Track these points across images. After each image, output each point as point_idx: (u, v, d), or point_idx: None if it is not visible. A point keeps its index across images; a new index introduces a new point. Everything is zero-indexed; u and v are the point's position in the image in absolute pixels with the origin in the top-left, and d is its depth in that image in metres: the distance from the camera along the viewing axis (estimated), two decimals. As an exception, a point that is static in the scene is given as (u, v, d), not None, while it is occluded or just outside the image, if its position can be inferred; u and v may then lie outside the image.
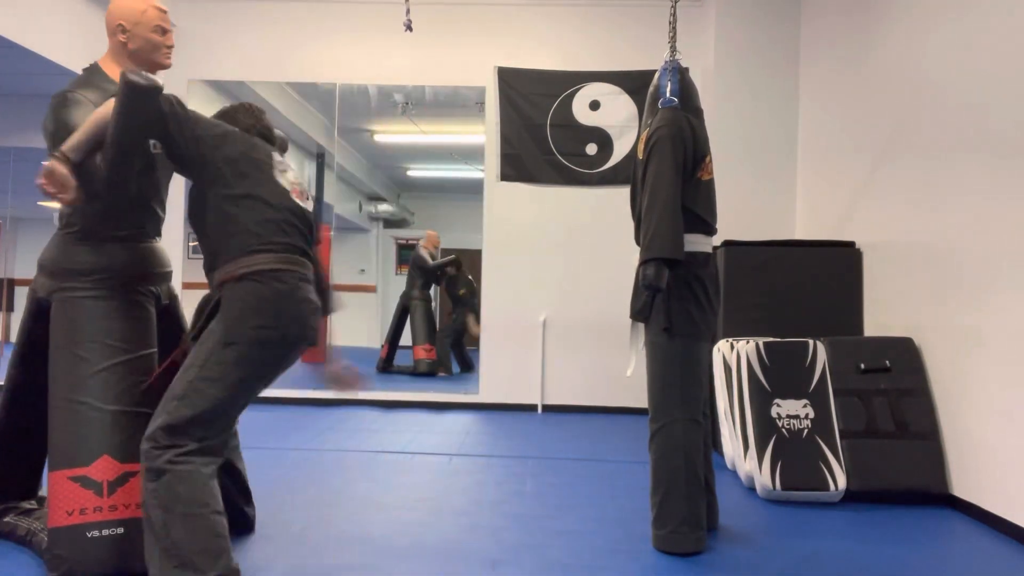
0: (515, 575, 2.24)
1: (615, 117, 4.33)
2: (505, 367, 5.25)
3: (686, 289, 2.45)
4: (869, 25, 3.91)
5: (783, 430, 3.21)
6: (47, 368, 2.13)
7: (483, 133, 5.25)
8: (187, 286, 4.71)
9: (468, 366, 7.22)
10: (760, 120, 4.81)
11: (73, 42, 4.63)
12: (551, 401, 5.22)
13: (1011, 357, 2.71)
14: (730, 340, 3.62)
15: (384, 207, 9.55)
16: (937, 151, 3.22)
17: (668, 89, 2.55)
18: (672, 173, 2.41)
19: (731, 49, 4.84)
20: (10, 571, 2.13)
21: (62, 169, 1.87)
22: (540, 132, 4.36)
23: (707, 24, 4.98)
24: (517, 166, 4.38)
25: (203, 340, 1.95)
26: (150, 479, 1.84)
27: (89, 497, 2.03)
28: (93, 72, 2.20)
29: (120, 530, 2.04)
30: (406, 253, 9.53)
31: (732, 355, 3.48)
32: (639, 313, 2.51)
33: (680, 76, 2.56)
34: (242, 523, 2.46)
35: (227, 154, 2.00)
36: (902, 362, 3.30)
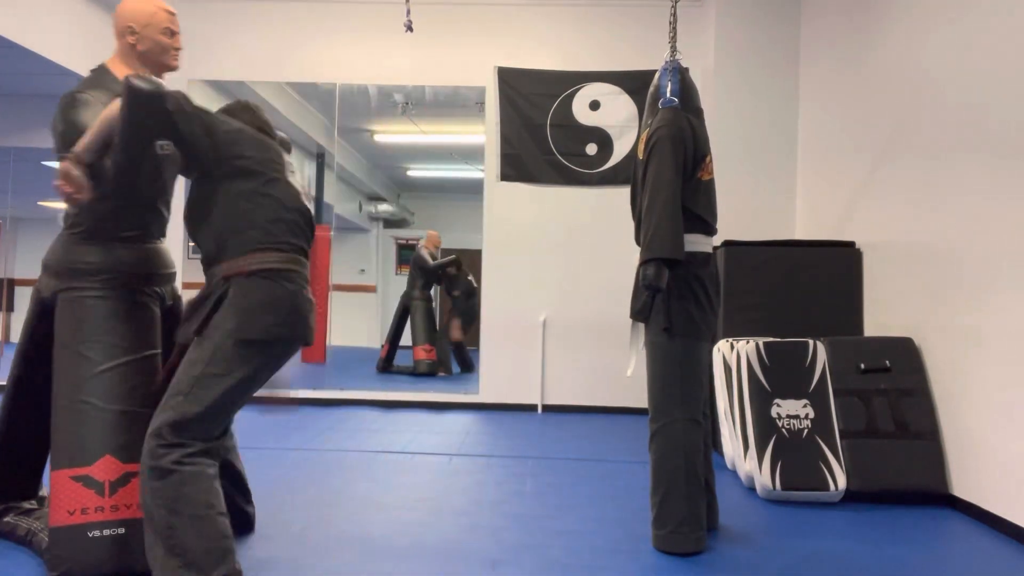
0: (515, 575, 2.24)
1: (615, 117, 4.33)
2: (505, 367, 5.25)
3: (686, 289, 2.46)
4: (869, 25, 3.91)
5: (783, 430, 3.21)
6: (50, 368, 2.14)
7: (483, 133, 5.25)
8: (187, 286, 4.71)
9: (468, 366, 7.22)
10: (760, 120, 4.81)
11: (73, 42, 4.64)
12: (551, 401, 5.22)
13: (1011, 357, 2.71)
14: (730, 340, 3.62)
15: (384, 207, 9.56)
16: (937, 151, 3.22)
17: (668, 89, 2.55)
18: (672, 173, 2.41)
19: (731, 49, 4.84)
20: (10, 571, 2.13)
21: (77, 170, 1.88)
22: (540, 132, 4.36)
23: (707, 24, 4.98)
24: (517, 166, 4.38)
25: (208, 335, 1.93)
26: (155, 477, 1.83)
27: (91, 497, 2.03)
28: (101, 73, 2.20)
29: (121, 530, 2.04)
30: (406, 253, 9.53)
31: (732, 355, 3.48)
32: (639, 313, 2.51)
33: (680, 76, 2.56)
34: (243, 522, 2.46)
35: (243, 151, 2.00)
36: (902, 362, 3.30)
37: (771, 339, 3.45)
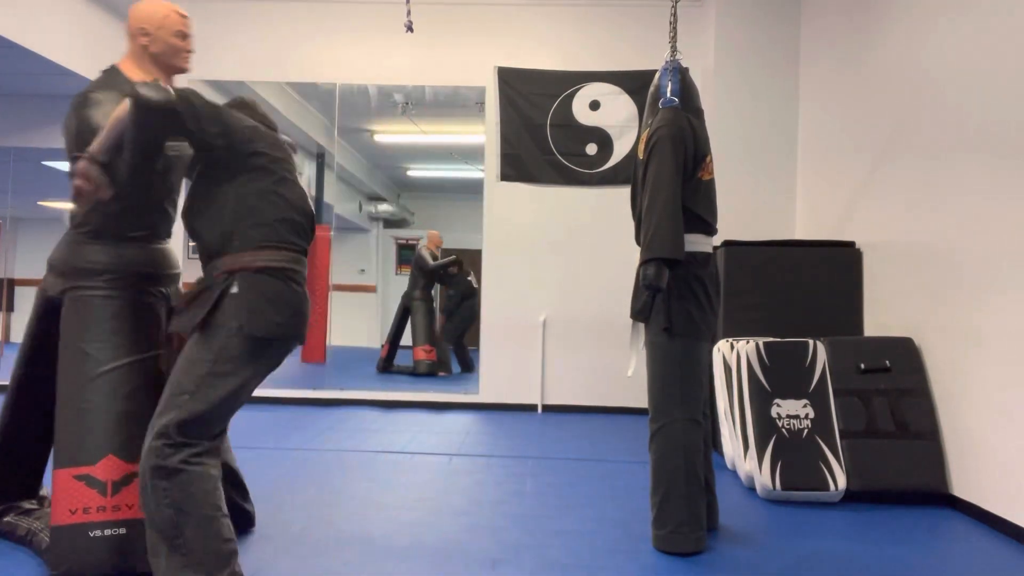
0: (515, 575, 2.24)
1: (615, 117, 4.33)
2: (505, 367, 5.25)
3: (686, 289, 2.46)
4: (869, 25, 3.91)
5: (783, 430, 3.21)
6: (52, 367, 2.14)
7: (483, 133, 5.25)
8: (188, 286, 4.70)
9: (468, 366, 7.23)
10: (760, 120, 4.81)
11: (73, 42, 4.64)
12: (551, 401, 5.22)
13: (1011, 357, 2.71)
14: (730, 340, 3.62)
15: (384, 207, 9.56)
16: (937, 151, 3.22)
17: (669, 89, 2.55)
18: (672, 173, 2.41)
19: (731, 49, 4.84)
20: (10, 571, 2.13)
21: (95, 171, 1.90)
22: (540, 132, 4.36)
23: (707, 24, 4.98)
24: (517, 166, 4.38)
25: (213, 333, 1.91)
26: (161, 477, 1.82)
27: (93, 496, 2.03)
28: (112, 74, 2.21)
29: (122, 530, 2.04)
30: (406, 253, 9.54)
31: (732, 355, 3.48)
32: (639, 313, 2.51)
33: (681, 76, 2.56)
34: (243, 520, 2.46)
35: (257, 148, 2.00)
36: (902, 362, 3.30)
37: (771, 339, 3.45)
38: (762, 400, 3.27)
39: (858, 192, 3.99)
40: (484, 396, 5.27)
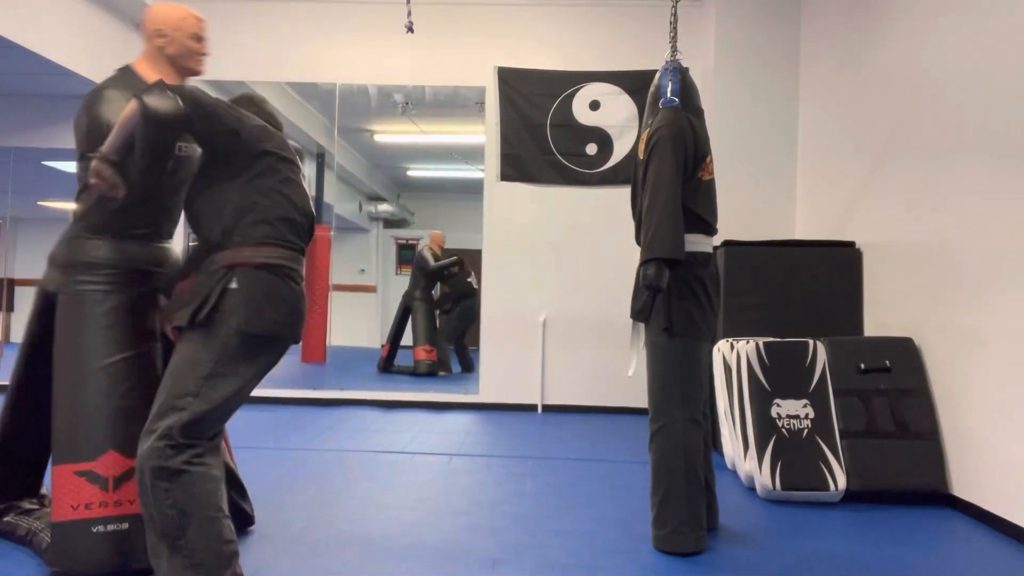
0: (515, 575, 2.24)
1: (615, 117, 4.33)
2: (505, 367, 5.25)
3: (686, 289, 2.46)
4: (869, 25, 3.91)
5: (783, 430, 3.21)
6: (51, 365, 2.14)
7: (483, 133, 5.25)
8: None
9: (468, 366, 7.22)
10: (760, 120, 4.81)
11: (73, 42, 4.63)
12: (551, 401, 5.22)
13: (1011, 357, 2.71)
14: (730, 340, 3.62)
15: (384, 207, 9.56)
16: (937, 151, 3.22)
17: (669, 89, 2.55)
18: (673, 173, 2.41)
19: (731, 49, 4.84)
20: (10, 571, 2.13)
21: (109, 170, 1.91)
22: (540, 132, 4.36)
23: (707, 24, 4.98)
24: (517, 166, 4.37)
25: (213, 332, 1.90)
26: (163, 478, 1.82)
27: (95, 492, 2.04)
28: (126, 73, 2.23)
29: (124, 526, 2.05)
30: (406, 253, 9.54)
31: (732, 355, 3.48)
32: (639, 313, 2.51)
33: (681, 76, 2.56)
34: (241, 520, 2.46)
35: (266, 148, 2.00)
36: (902, 362, 3.30)
37: (771, 339, 3.45)
38: (762, 400, 3.27)
39: (858, 192, 3.99)
40: (484, 396, 5.27)
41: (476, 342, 5.53)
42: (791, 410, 3.25)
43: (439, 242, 7.56)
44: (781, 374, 3.32)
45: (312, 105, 6.47)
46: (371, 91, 6.08)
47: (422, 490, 3.15)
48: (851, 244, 3.96)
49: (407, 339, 7.19)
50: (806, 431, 3.21)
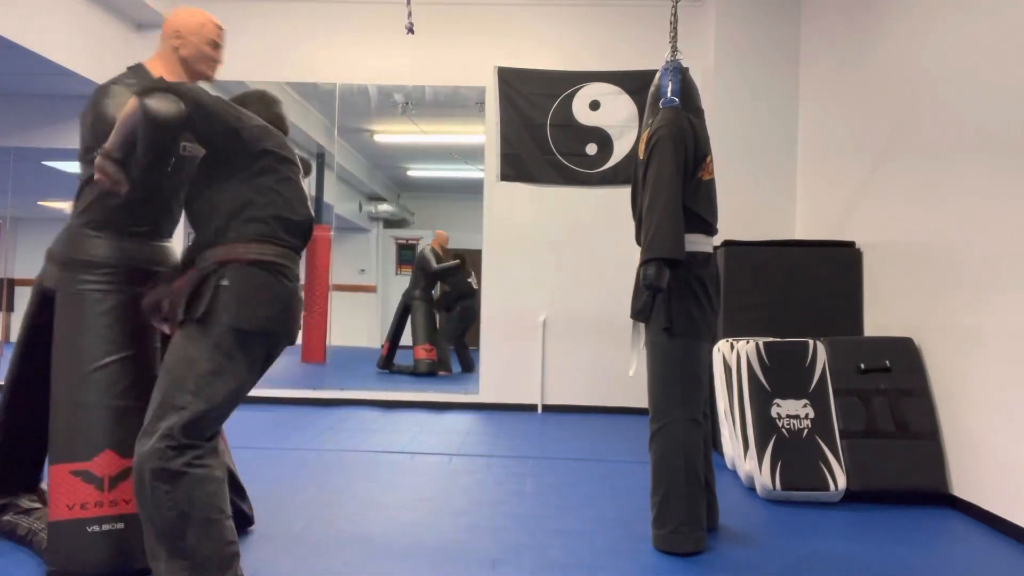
0: (515, 575, 2.24)
1: (615, 117, 4.33)
2: (505, 367, 5.24)
3: (687, 289, 2.45)
4: (869, 25, 3.91)
5: (783, 430, 3.21)
6: (48, 361, 2.14)
7: (483, 133, 5.25)
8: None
9: (468, 366, 7.22)
10: (760, 120, 4.81)
11: (73, 42, 4.64)
12: (551, 401, 5.22)
13: (1011, 357, 2.71)
14: (730, 340, 3.62)
15: (384, 207, 9.56)
16: (937, 151, 3.22)
17: (669, 89, 2.55)
18: (673, 173, 2.41)
19: (731, 49, 4.84)
20: (10, 571, 2.13)
21: (112, 167, 1.92)
22: (540, 132, 4.36)
23: (707, 24, 4.98)
24: (517, 166, 4.37)
25: (207, 331, 1.90)
26: (164, 480, 1.80)
27: (90, 492, 2.04)
28: (138, 71, 2.24)
29: (120, 525, 2.05)
30: (406, 253, 9.54)
31: (732, 355, 3.48)
32: (640, 313, 2.51)
33: (681, 76, 2.56)
34: (241, 520, 2.45)
35: (264, 147, 2.01)
36: (902, 362, 3.30)
37: (771, 339, 3.45)
38: (762, 400, 3.27)
39: (858, 192, 3.99)
40: (484, 396, 5.27)
41: (476, 342, 5.53)
42: (791, 410, 3.25)
43: (442, 242, 7.55)
44: (781, 374, 3.32)
45: (312, 105, 6.47)
46: (371, 91, 6.08)
47: (422, 490, 3.15)
48: (851, 244, 3.96)
49: (407, 339, 7.18)
50: (806, 431, 3.21)
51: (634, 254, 2.51)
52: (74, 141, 2.24)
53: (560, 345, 5.22)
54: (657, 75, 2.64)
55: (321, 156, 7.43)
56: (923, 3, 3.39)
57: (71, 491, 2.03)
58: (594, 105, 4.35)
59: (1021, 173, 2.68)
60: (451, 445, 4.06)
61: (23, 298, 2.31)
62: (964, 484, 3.01)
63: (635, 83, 4.25)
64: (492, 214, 5.28)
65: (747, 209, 4.68)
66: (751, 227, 4.48)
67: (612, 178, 4.32)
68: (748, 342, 3.42)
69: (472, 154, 7.13)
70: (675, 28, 2.73)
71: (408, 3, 3.78)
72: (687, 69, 2.61)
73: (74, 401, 2.08)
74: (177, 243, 2.44)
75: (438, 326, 7.39)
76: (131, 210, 2.17)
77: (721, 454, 3.68)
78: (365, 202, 9.32)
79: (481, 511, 2.87)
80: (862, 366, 3.32)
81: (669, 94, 2.54)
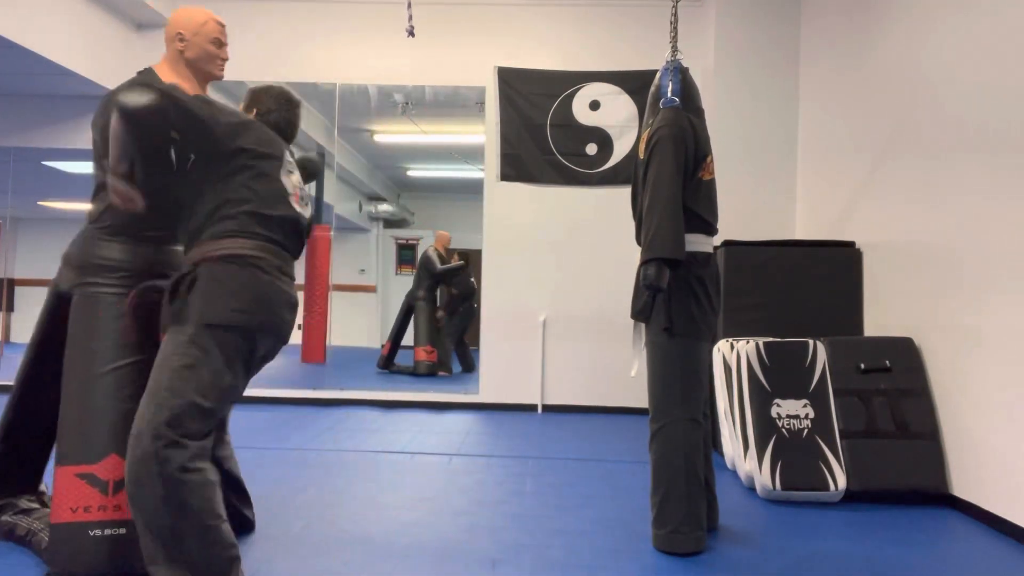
0: (515, 575, 2.24)
1: (615, 117, 4.33)
2: (505, 367, 5.25)
3: (687, 289, 2.45)
4: (869, 25, 3.91)
5: (783, 430, 3.21)
6: (60, 364, 2.14)
7: (483, 133, 5.25)
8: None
9: (469, 366, 7.22)
10: (760, 120, 4.81)
11: (73, 42, 4.64)
12: (551, 401, 5.22)
13: (1011, 357, 2.71)
14: (730, 340, 3.62)
15: (384, 207, 9.56)
16: (937, 151, 3.22)
17: (669, 89, 2.55)
18: (673, 173, 2.41)
19: (731, 49, 4.84)
20: (10, 571, 2.13)
21: (123, 185, 1.95)
22: (540, 132, 4.36)
23: (707, 24, 4.98)
24: (517, 166, 4.37)
25: (179, 325, 1.93)
26: (160, 485, 1.80)
27: (94, 495, 2.04)
28: (147, 75, 2.24)
29: (122, 530, 2.04)
30: (406, 253, 9.54)
31: (732, 355, 3.48)
32: (640, 313, 2.51)
33: (681, 76, 2.56)
34: (244, 526, 2.46)
35: (239, 145, 2.01)
36: (902, 362, 3.30)
37: (771, 339, 3.45)
38: (762, 400, 3.27)
39: (858, 192, 3.99)
40: (484, 396, 5.27)
41: (476, 342, 5.52)
42: (791, 410, 3.25)
43: (444, 243, 7.55)
44: (781, 374, 3.32)
45: (312, 105, 6.47)
46: (371, 91, 6.08)
47: (422, 490, 3.15)
48: (851, 244, 3.96)
49: (408, 339, 7.19)
50: (806, 431, 3.21)
51: (634, 254, 2.51)
52: (74, 141, 2.26)
53: (560, 345, 5.23)
54: (657, 75, 2.64)
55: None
56: (923, 3, 3.39)
57: (75, 493, 2.03)
58: (594, 105, 4.35)
59: (1021, 173, 2.68)
60: (451, 445, 4.06)
61: (23, 298, 2.31)
62: (964, 484, 3.01)
63: (635, 83, 4.25)
64: (492, 214, 5.28)
65: (747, 209, 4.68)
66: (751, 227, 4.48)
67: (612, 178, 4.32)
68: (748, 342, 3.42)
69: (472, 154, 7.13)
70: (675, 28, 2.73)
71: (409, 7, 3.78)
72: (687, 69, 2.61)
73: (84, 403, 2.08)
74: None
75: (441, 326, 7.39)
76: (144, 214, 2.18)
77: (721, 454, 3.68)
78: (365, 202, 9.32)
79: (481, 511, 2.87)
80: (862, 366, 3.32)
81: (669, 94, 2.54)
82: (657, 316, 2.47)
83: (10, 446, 2.36)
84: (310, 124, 6.63)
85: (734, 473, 3.52)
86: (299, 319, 6.97)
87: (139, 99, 1.87)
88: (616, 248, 4.63)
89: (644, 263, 2.40)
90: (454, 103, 6.46)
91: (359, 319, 9.05)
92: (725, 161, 4.30)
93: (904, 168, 3.50)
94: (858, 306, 3.90)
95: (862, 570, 2.35)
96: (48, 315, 2.27)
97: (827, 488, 3.07)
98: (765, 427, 3.22)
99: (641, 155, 2.58)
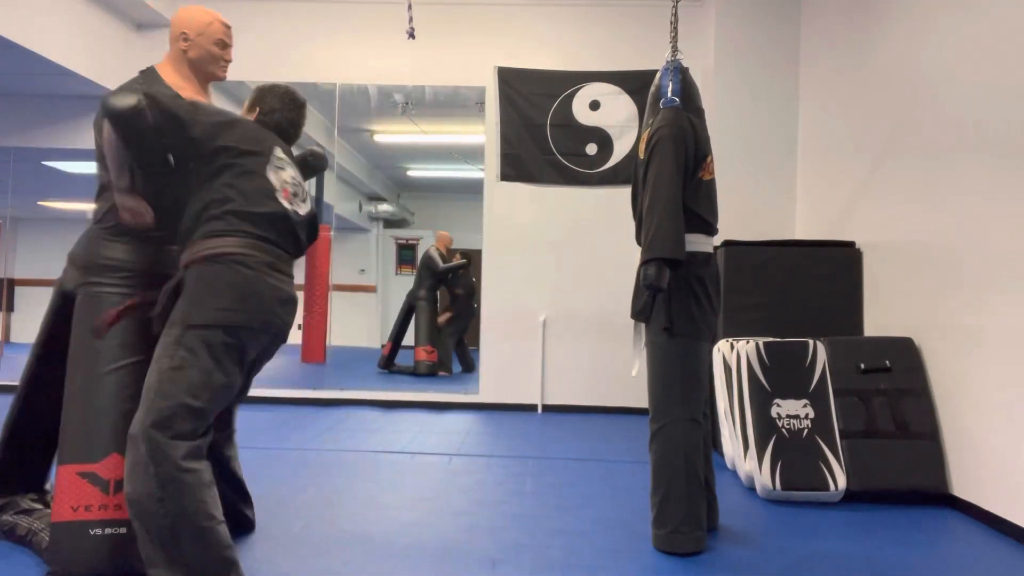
0: (514, 575, 2.24)
1: (615, 117, 4.33)
2: (505, 367, 5.25)
3: (687, 289, 2.45)
4: (869, 25, 3.91)
5: (783, 430, 3.21)
6: (64, 364, 2.15)
7: (483, 133, 5.25)
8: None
9: (469, 366, 7.22)
10: (760, 120, 4.81)
11: (73, 42, 4.64)
12: (551, 401, 5.22)
13: (1011, 357, 2.71)
14: (730, 340, 3.62)
15: (384, 207, 9.55)
16: (937, 151, 3.22)
17: (670, 89, 2.55)
18: (673, 173, 2.41)
19: (731, 49, 4.84)
20: (10, 571, 2.13)
21: (130, 200, 1.98)
22: (540, 132, 4.36)
23: (707, 24, 4.98)
24: (517, 166, 4.37)
25: (169, 327, 1.95)
26: (154, 486, 1.80)
27: (95, 494, 2.04)
28: (149, 75, 2.24)
29: (123, 530, 2.04)
30: (406, 253, 9.54)
31: (732, 355, 3.48)
32: (640, 313, 2.51)
33: (682, 76, 2.56)
34: (244, 525, 2.46)
35: (220, 144, 2.01)
36: (902, 362, 3.30)
37: (771, 339, 3.45)
38: (762, 400, 3.27)
39: (858, 192, 3.99)
40: (484, 396, 5.27)
41: (476, 342, 5.52)
42: (791, 410, 3.25)
43: (446, 243, 7.55)
44: (781, 374, 3.32)
45: (312, 105, 6.45)
46: (371, 91, 6.08)
47: (422, 490, 3.15)
48: (851, 244, 3.96)
49: (408, 339, 7.18)
50: (806, 431, 3.21)
51: (634, 254, 2.52)
52: (74, 141, 2.26)
53: (560, 345, 5.23)
54: (657, 75, 2.64)
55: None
56: (923, 3, 3.39)
57: (77, 492, 2.03)
58: (594, 105, 4.35)
59: (1021, 173, 2.68)
60: (451, 445, 4.06)
61: (23, 298, 2.32)
62: (964, 484, 3.01)
63: (635, 83, 4.25)
64: (492, 214, 5.29)
65: (747, 209, 4.69)
66: (751, 227, 4.48)
67: (612, 178, 4.32)
68: (748, 342, 3.42)
69: (472, 154, 7.13)
70: (675, 28, 2.73)
71: (409, 8, 3.78)
72: (687, 69, 2.61)
73: (87, 402, 2.08)
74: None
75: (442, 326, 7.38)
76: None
77: (721, 454, 3.68)
78: (365, 202, 9.32)
79: (481, 511, 2.87)
80: (862, 366, 3.32)
81: (669, 94, 2.54)
82: (657, 316, 2.47)
83: (15, 445, 2.36)
84: (310, 124, 6.57)
85: (734, 473, 3.52)
86: (299, 319, 6.97)
87: (120, 101, 1.89)
88: (616, 248, 4.63)
89: (644, 263, 2.40)
90: (454, 103, 6.46)
91: (359, 319, 9.05)
92: (725, 161, 4.30)
93: (904, 168, 3.50)
94: (858, 306, 3.90)
95: (862, 570, 2.35)
96: (53, 315, 2.27)
97: (827, 488, 3.07)
98: (765, 427, 3.22)
99: (641, 155, 2.58)
